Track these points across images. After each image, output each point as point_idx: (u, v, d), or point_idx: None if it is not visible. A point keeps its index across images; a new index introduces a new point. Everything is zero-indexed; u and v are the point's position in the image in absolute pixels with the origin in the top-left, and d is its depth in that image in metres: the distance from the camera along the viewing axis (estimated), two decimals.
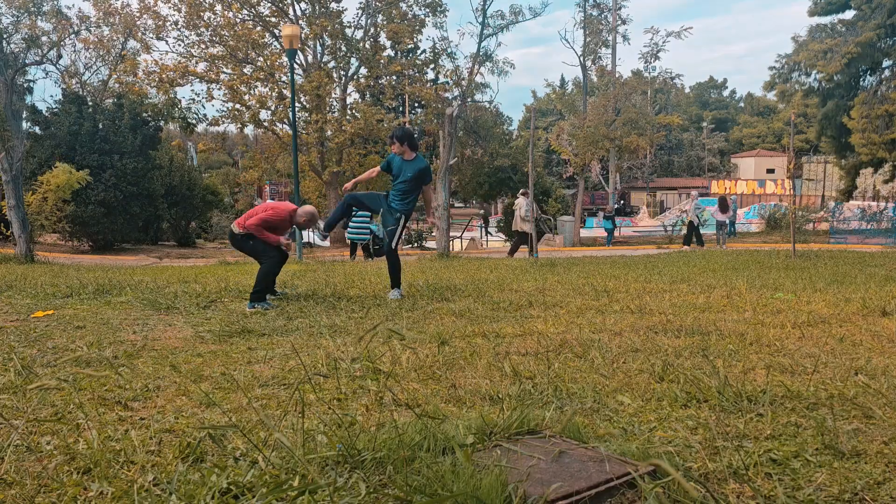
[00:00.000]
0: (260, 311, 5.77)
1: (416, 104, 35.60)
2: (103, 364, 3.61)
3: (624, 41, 25.41)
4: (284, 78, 21.85)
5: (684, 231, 19.94)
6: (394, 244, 6.70)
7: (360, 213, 13.82)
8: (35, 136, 20.03)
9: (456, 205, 40.96)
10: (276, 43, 22.59)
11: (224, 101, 22.43)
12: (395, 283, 6.71)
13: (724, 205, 20.58)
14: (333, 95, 23.29)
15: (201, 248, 24.98)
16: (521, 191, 17.34)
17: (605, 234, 24.07)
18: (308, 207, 6.82)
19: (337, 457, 2.15)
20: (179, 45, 22.25)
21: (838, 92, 28.15)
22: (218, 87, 22.22)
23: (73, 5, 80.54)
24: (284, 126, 22.65)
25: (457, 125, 17.41)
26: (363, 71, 23.97)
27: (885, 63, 27.16)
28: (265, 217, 6.50)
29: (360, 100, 26.69)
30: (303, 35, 21.12)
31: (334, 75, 23.25)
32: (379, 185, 24.41)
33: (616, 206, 29.33)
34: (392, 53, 26.49)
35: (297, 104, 19.66)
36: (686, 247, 18.12)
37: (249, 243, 6.55)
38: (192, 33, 21.94)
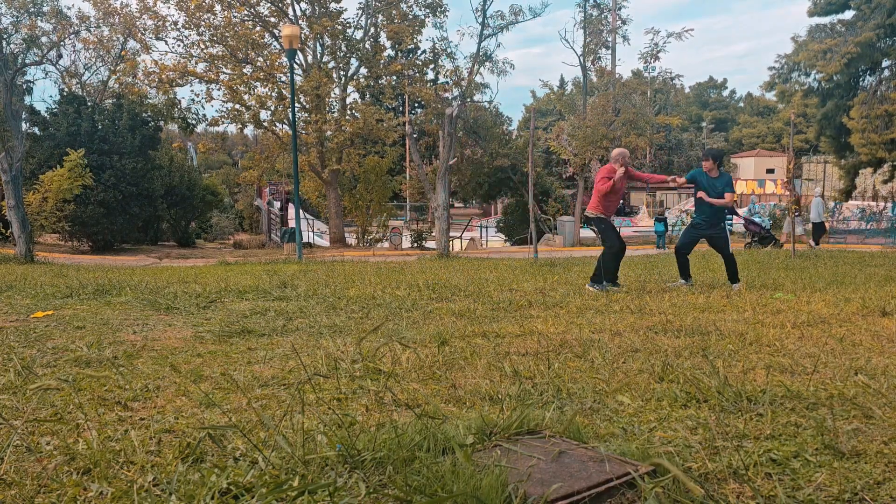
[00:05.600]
0: (599, 292, 6.83)
1: (416, 104, 35.56)
2: (103, 364, 3.61)
3: (624, 42, 25.24)
4: (284, 78, 21.82)
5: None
6: (728, 250, 7.44)
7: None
8: (34, 136, 20.00)
9: (456, 205, 40.94)
10: (275, 43, 22.57)
11: (224, 102, 22.41)
12: (684, 274, 7.56)
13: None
14: (333, 95, 23.25)
15: (201, 248, 24.98)
16: None
17: (655, 238, 21.51)
18: (619, 149, 7.77)
19: (337, 457, 2.15)
20: (179, 45, 22.24)
21: (838, 92, 28.13)
22: (217, 87, 22.19)
23: (73, 5, 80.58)
24: (284, 126, 22.62)
25: (456, 125, 17.40)
26: (363, 71, 23.94)
27: (885, 63, 27.14)
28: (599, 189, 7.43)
29: (359, 100, 26.64)
30: (303, 35, 21.10)
31: (334, 75, 23.22)
32: (378, 185, 24.40)
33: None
34: (392, 53, 26.45)
35: (296, 104, 19.64)
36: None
37: (601, 226, 7.48)
38: (192, 33, 21.92)
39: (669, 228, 22.58)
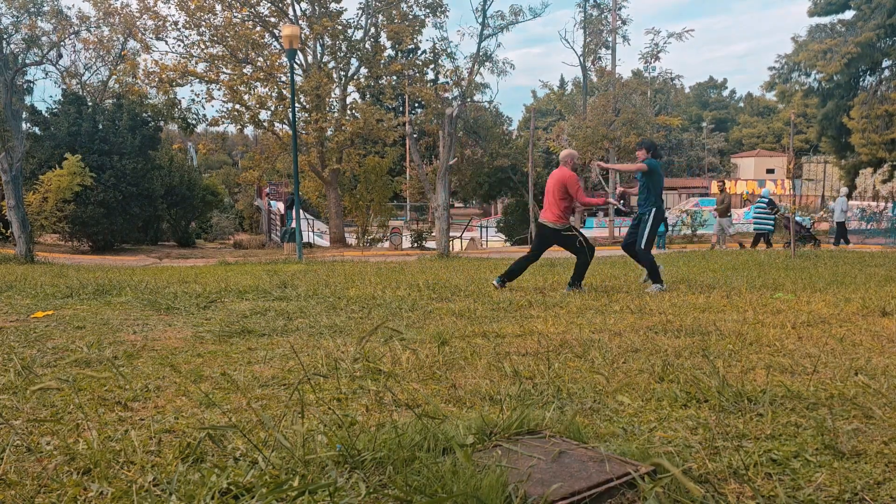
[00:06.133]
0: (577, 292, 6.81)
1: (416, 104, 35.56)
2: (103, 364, 3.61)
3: (624, 42, 25.28)
4: (284, 78, 21.82)
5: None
6: (642, 244, 7.28)
7: (759, 203, 16.84)
8: (35, 136, 20.00)
9: (456, 205, 40.95)
10: (275, 43, 22.57)
11: (224, 102, 22.41)
12: (651, 277, 7.21)
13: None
14: (333, 95, 23.25)
15: (201, 248, 24.97)
16: None
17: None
18: (568, 150, 7.38)
19: (337, 457, 2.15)
20: (179, 45, 22.24)
21: (838, 92, 28.14)
22: (217, 87, 22.20)
23: (73, 5, 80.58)
24: (284, 126, 22.63)
25: (456, 125, 17.40)
26: (363, 71, 23.95)
27: (885, 63, 27.13)
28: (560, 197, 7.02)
29: (359, 100, 26.65)
30: (303, 35, 21.10)
31: (334, 75, 23.22)
32: (378, 185, 24.41)
33: (616, 206, 29.15)
34: (392, 53, 26.47)
35: (296, 104, 19.64)
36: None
37: (567, 234, 7.10)
38: (193, 33, 21.93)
39: (670, 228, 22.60)
